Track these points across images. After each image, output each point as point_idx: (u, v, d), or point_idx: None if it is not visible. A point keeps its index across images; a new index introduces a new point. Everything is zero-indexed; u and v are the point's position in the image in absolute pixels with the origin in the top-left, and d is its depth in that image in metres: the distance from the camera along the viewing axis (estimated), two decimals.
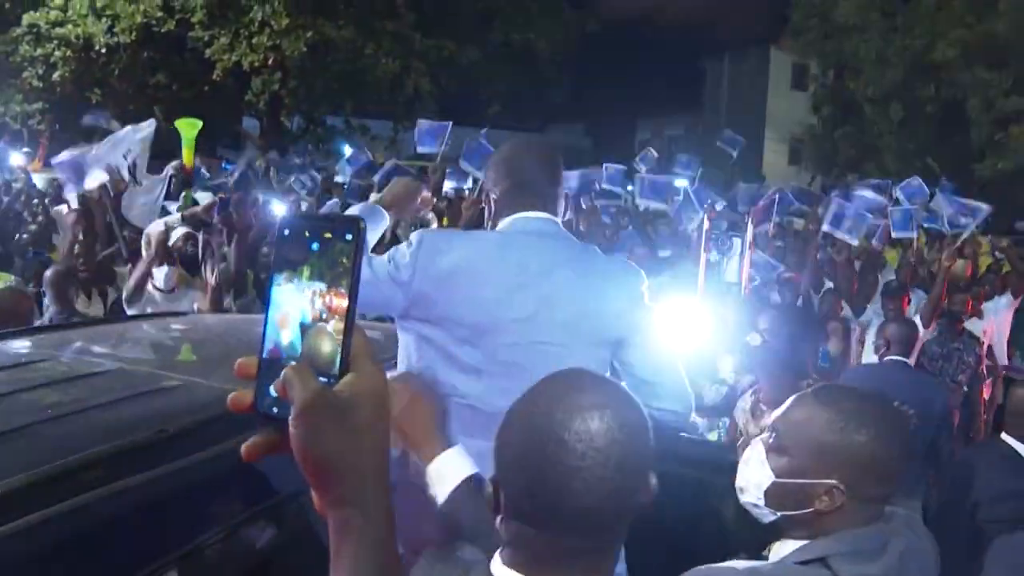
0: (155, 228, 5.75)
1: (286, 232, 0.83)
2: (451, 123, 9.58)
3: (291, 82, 22.27)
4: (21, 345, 2.47)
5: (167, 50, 22.15)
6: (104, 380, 2.10)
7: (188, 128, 8.57)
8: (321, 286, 0.81)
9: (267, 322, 0.83)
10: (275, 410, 0.83)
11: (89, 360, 2.31)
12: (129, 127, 7.23)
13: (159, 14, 20.31)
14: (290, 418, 0.80)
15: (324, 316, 0.81)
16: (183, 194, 7.35)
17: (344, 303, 0.81)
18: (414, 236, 2.20)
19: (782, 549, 1.66)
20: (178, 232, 5.86)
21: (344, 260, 0.81)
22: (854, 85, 25.58)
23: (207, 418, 1.84)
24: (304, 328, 0.82)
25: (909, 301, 6.85)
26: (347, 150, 14.31)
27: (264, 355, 0.84)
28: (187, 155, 8.39)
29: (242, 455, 0.85)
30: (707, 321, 4.71)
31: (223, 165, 12.55)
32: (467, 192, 9.40)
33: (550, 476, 1.22)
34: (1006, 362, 7.01)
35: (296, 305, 0.82)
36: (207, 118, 22.60)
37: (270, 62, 21.40)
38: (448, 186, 9.62)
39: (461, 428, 2.10)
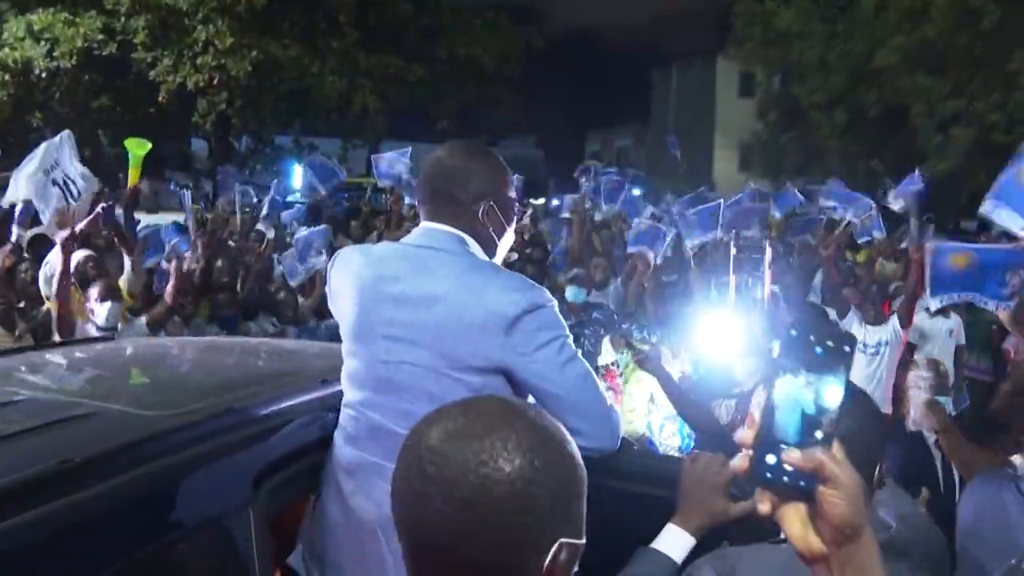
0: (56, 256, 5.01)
1: (797, 334, 1.01)
2: (409, 148, 9.60)
3: (237, 102, 22.07)
4: None
5: (110, 73, 21.82)
6: (9, 411, 2.02)
7: (136, 148, 8.33)
8: (819, 384, 0.99)
9: (771, 404, 1.00)
10: (769, 475, 1.00)
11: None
12: (42, 145, 6.86)
13: (100, 36, 20.00)
14: (823, 488, 0.97)
15: (820, 410, 0.99)
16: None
17: (837, 400, 0.98)
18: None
19: None
20: (79, 255, 5.39)
21: (841, 367, 0.98)
22: (799, 91, 25.96)
23: (117, 446, 1.77)
24: (805, 417, 0.99)
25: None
26: (297, 170, 14.15)
27: (763, 430, 1.00)
28: (133, 175, 8.17)
29: (760, 510, 1.03)
30: (737, 334, 4.71)
31: (171, 187, 12.33)
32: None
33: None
34: None
35: (798, 396, 0.99)
36: (154, 140, 22.34)
37: (215, 82, 21.19)
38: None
39: (345, 437, 2.13)
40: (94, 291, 4.92)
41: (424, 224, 2.17)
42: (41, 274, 5.09)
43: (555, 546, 1.09)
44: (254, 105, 22.39)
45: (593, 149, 43.96)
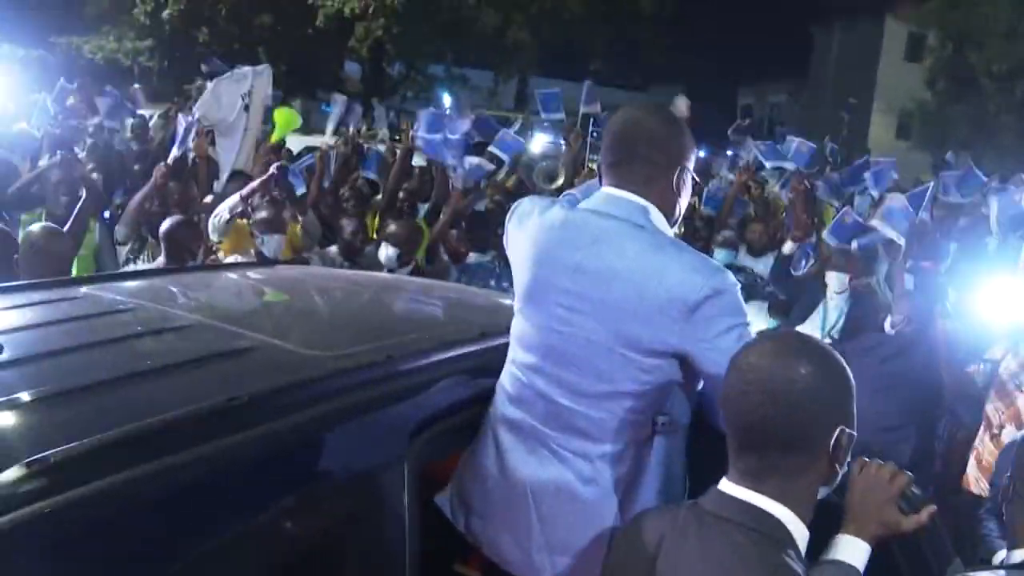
0: (220, 218, 5.05)
1: None
2: (560, 91, 9.30)
3: (394, 29, 22.21)
4: (96, 291, 2.41)
5: None
6: (177, 337, 2.02)
7: (287, 119, 8.45)
8: None
9: None
10: None
11: (168, 312, 2.24)
12: (247, 68, 7.06)
13: None
14: None
15: None
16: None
17: None
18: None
19: None
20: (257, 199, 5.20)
21: None
22: (975, 59, 24.28)
23: (281, 386, 1.74)
24: None
25: None
26: (446, 99, 14.13)
27: None
28: (275, 136, 8.32)
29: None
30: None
31: (322, 107, 12.48)
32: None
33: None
34: None
35: None
36: (311, 61, 22.83)
37: (371, 10, 21.37)
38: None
39: (507, 397, 2.08)
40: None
41: (607, 189, 2.05)
42: (211, 223, 5.02)
43: (836, 431, 1.56)
44: (410, 33, 22.49)
45: (745, 103, 42.60)
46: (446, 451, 2.16)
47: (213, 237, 5.03)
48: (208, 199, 5.97)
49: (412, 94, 22.27)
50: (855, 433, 1.59)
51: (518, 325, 2.09)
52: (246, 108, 6.57)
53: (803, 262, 6.18)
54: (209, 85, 6.73)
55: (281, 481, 1.63)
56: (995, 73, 23.42)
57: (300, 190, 6.23)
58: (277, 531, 1.58)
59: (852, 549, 1.70)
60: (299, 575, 1.63)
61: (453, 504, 2.18)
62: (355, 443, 1.81)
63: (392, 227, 5.19)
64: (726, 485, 1.62)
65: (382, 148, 8.97)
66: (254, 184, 5.20)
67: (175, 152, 6.20)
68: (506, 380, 2.10)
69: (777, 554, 1.52)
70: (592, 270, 1.91)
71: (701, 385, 2.01)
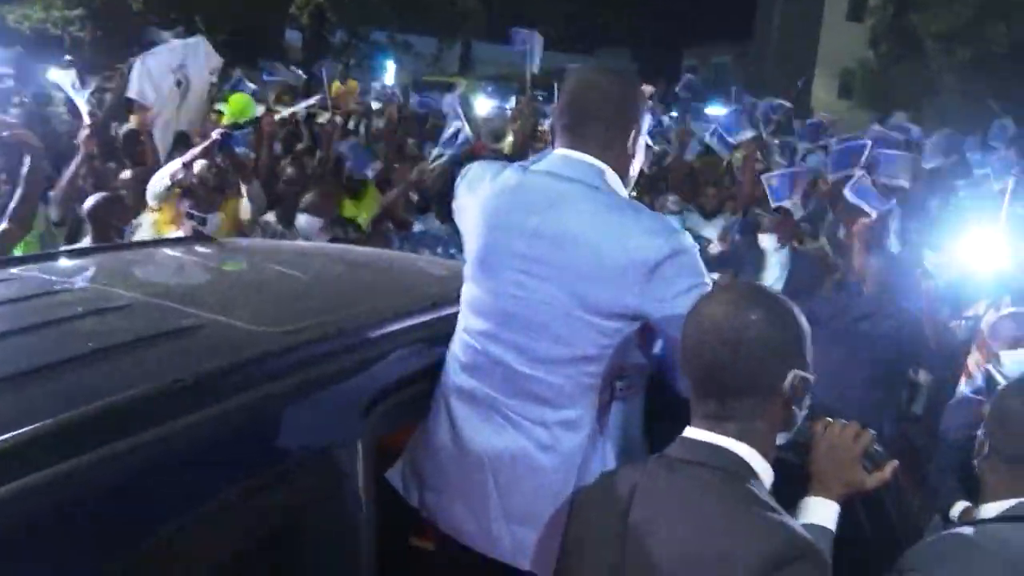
0: (160, 183, 4.87)
1: None
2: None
3: None
4: (38, 270, 2.31)
5: None
6: (119, 316, 1.93)
7: (240, 106, 8.16)
8: None
9: None
10: None
11: (105, 291, 2.15)
12: (178, 42, 6.82)
13: None
14: None
15: None
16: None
17: None
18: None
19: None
20: (200, 164, 5.06)
21: None
22: (916, 19, 24.50)
23: (228, 365, 1.68)
24: None
25: None
26: (389, 66, 13.94)
27: None
28: (224, 120, 8.09)
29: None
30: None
31: (263, 75, 12.19)
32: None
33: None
34: None
35: None
36: (250, 29, 22.32)
37: None
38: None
39: (460, 365, 2.04)
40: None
41: (561, 151, 2.00)
42: (149, 188, 4.84)
43: (791, 375, 1.60)
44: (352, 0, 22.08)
45: (689, 64, 42.65)
46: (401, 424, 2.11)
47: (152, 203, 4.86)
48: (125, 174, 5.65)
49: (355, 61, 21.89)
50: (810, 376, 1.63)
51: (470, 291, 2.04)
52: (178, 84, 6.27)
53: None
54: (136, 63, 6.35)
55: (231, 464, 1.57)
56: (936, 34, 23.65)
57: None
58: (228, 516, 1.51)
59: (822, 510, 1.71)
60: (254, 559, 1.58)
61: (406, 478, 2.14)
62: (307, 421, 1.76)
63: (307, 196, 5.15)
64: (690, 431, 1.66)
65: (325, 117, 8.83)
66: (196, 150, 5.04)
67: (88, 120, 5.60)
68: (458, 348, 2.06)
69: (742, 486, 1.57)
70: (549, 234, 1.88)
71: (660, 346, 1.99)
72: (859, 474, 1.75)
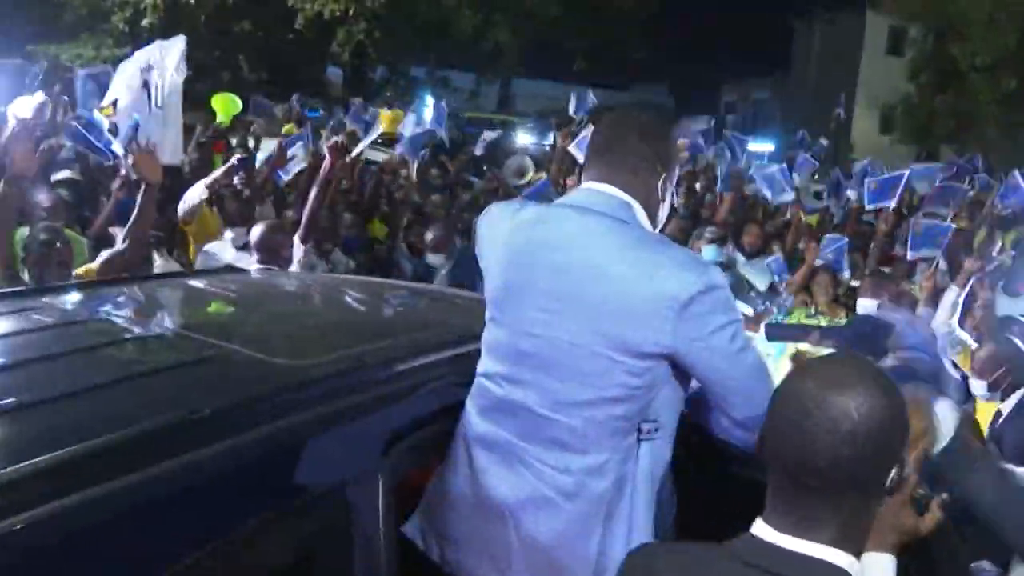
0: (196, 194, 5.29)
1: None
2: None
3: (375, 32, 22.08)
4: (65, 300, 2.32)
5: None
6: (139, 347, 1.93)
7: (225, 105, 8.41)
8: None
9: None
10: None
11: (131, 322, 2.15)
12: (156, 43, 6.26)
13: None
14: None
15: None
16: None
17: None
18: None
19: None
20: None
21: None
22: (957, 51, 24.23)
23: (247, 398, 1.65)
24: None
25: None
26: (429, 101, 14.07)
27: None
28: (219, 120, 8.26)
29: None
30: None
31: (306, 112, 12.33)
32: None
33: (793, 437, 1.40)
34: None
35: None
36: (292, 65, 22.66)
37: (351, 12, 21.25)
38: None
39: (479, 409, 1.98)
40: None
41: (588, 184, 1.95)
42: (181, 206, 5.23)
43: (896, 466, 1.42)
44: (391, 36, 22.34)
45: (728, 100, 42.65)
46: (420, 463, 2.07)
47: (186, 218, 5.32)
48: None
49: (393, 95, 22.09)
50: (908, 470, 1.52)
51: (490, 334, 1.98)
52: (145, 84, 5.87)
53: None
54: (112, 71, 6.30)
55: (250, 498, 1.54)
56: (978, 64, 23.35)
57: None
58: (242, 552, 1.49)
59: (879, 567, 1.58)
60: None
61: (425, 531, 2.06)
62: (326, 456, 1.72)
63: (431, 236, 5.99)
64: (773, 535, 1.42)
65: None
66: (217, 173, 5.44)
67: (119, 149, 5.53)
68: (477, 394, 1.99)
69: None
70: (574, 269, 1.81)
71: (692, 386, 1.93)
72: (911, 518, 1.62)
